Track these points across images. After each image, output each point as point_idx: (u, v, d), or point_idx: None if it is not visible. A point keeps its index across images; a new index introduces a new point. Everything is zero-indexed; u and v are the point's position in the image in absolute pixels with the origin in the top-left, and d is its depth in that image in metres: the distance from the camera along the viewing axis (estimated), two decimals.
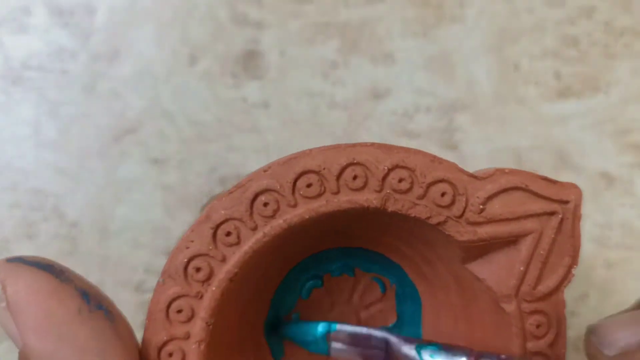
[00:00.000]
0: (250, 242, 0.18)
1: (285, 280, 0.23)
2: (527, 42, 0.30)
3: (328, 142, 0.30)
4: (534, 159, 0.30)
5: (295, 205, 0.17)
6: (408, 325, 0.23)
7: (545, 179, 0.18)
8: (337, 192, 0.17)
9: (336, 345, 0.21)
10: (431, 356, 0.18)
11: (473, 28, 0.30)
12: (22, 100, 0.29)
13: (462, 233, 0.18)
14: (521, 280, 0.18)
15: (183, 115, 0.30)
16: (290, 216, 0.17)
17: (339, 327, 0.21)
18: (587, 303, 0.30)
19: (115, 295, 0.18)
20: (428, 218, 0.18)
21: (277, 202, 0.17)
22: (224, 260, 0.18)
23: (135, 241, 0.29)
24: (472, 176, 0.18)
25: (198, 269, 0.18)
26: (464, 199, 0.18)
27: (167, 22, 0.30)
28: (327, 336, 0.22)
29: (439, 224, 0.18)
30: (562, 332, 0.19)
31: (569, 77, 0.31)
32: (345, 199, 0.17)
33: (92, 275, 0.29)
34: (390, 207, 0.18)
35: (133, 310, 0.28)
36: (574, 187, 0.18)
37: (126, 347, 0.16)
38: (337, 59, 0.30)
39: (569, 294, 0.30)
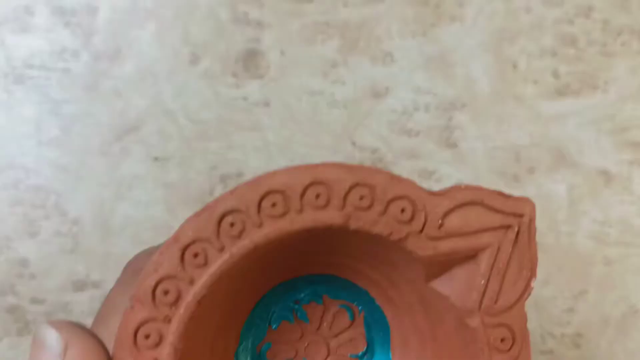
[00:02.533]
0: (218, 263, 0.17)
1: (255, 311, 0.23)
2: (526, 41, 0.31)
3: (328, 140, 0.30)
4: (533, 157, 0.31)
5: (260, 225, 0.17)
6: (378, 352, 0.23)
7: (500, 193, 0.18)
8: (301, 211, 0.18)
9: None
10: None
11: (472, 27, 0.30)
12: (24, 98, 0.29)
13: (423, 248, 0.18)
14: (483, 294, 0.18)
15: (184, 114, 0.30)
16: (256, 236, 0.17)
17: None
18: (586, 299, 0.30)
19: None
20: (389, 234, 0.18)
21: (243, 222, 0.17)
22: (192, 282, 0.18)
23: (136, 238, 0.29)
24: (430, 193, 0.18)
25: (166, 292, 0.17)
26: (423, 215, 0.18)
27: (169, 21, 0.30)
28: None
29: (400, 240, 0.18)
30: (526, 344, 0.19)
31: (567, 75, 0.31)
32: (309, 218, 0.18)
33: (93, 272, 0.29)
34: (353, 225, 0.18)
35: None
36: (527, 201, 0.18)
37: None
38: (336, 58, 0.30)
39: (569, 290, 0.30)
